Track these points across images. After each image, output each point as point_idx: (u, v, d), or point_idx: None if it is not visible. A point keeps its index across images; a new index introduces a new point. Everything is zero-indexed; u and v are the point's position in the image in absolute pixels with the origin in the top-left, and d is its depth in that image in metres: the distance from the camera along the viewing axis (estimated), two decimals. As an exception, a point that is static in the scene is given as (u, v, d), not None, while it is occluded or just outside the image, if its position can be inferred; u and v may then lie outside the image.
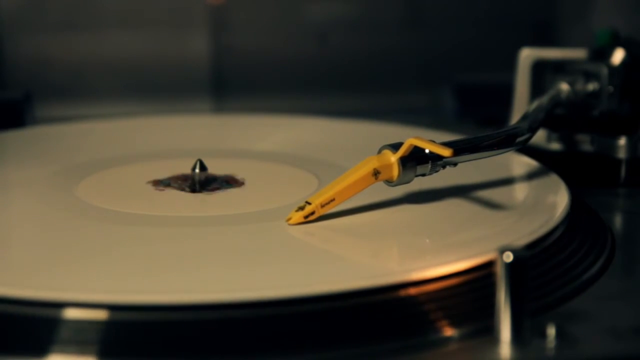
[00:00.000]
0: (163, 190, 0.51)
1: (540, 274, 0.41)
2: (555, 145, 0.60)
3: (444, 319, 0.37)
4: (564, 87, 0.59)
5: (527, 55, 0.63)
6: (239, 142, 0.63)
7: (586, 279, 0.42)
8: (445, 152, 0.44)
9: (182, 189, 0.51)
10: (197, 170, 0.51)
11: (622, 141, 0.57)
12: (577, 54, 0.61)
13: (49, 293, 0.36)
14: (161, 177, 0.53)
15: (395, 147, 0.45)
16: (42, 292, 0.36)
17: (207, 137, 0.66)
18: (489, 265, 0.39)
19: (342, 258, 0.42)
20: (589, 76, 0.58)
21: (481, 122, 0.73)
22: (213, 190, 0.51)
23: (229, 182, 0.52)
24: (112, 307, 0.35)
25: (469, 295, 0.38)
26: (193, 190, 0.51)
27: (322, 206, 0.45)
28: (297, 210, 0.45)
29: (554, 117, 0.59)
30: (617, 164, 0.57)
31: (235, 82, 0.84)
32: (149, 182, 0.52)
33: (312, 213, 0.44)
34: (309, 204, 0.45)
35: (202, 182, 0.51)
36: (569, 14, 0.87)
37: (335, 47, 0.85)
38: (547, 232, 0.43)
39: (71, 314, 0.35)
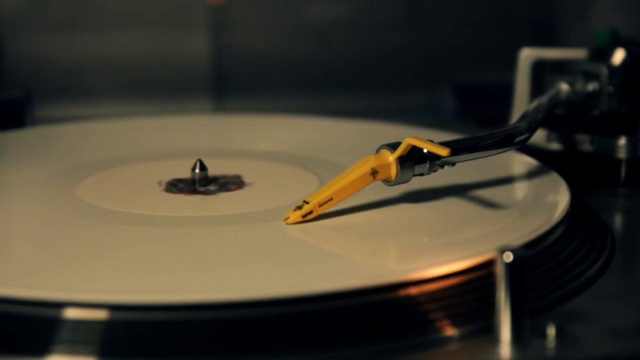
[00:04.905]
0: (163, 190, 0.51)
1: (540, 274, 0.41)
2: (555, 145, 0.60)
3: (444, 319, 0.37)
4: (564, 87, 0.59)
5: (527, 55, 0.63)
6: (239, 142, 0.63)
7: (586, 279, 0.42)
8: (443, 151, 0.44)
9: (182, 189, 0.51)
10: (197, 170, 0.51)
11: (622, 141, 0.57)
12: (577, 54, 0.61)
13: (49, 293, 0.36)
14: (161, 177, 0.53)
15: (393, 146, 0.45)
16: (42, 292, 0.36)
17: (207, 137, 0.66)
18: (488, 265, 0.39)
19: (340, 257, 0.42)
20: (589, 76, 0.58)
21: (481, 122, 0.73)
22: (213, 190, 0.51)
23: (229, 182, 0.52)
24: (112, 307, 0.35)
25: (469, 295, 0.38)
26: (193, 191, 0.51)
27: (320, 205, 0.45)
28: (295, 210, 0.45)
29: (554, 117, 0.59)
30: (617, 164, 0.57)
31: (235, 82, 0.84)
32: (149, 183, 0.52)
33: (310, 212, 0.44)
34: (307, 203, 0.45)
35: (202, 182, 0.51)
36: (569, 14, 0.87)
37: (335, 47, 0.85)
38: (547, 232, 0.43)
39: (71, 314, 0.35)
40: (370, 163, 0.45)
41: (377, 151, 0.46)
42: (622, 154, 0.57)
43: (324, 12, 0.85)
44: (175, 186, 0.51)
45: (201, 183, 0.51)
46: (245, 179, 0.53)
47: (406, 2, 0.86)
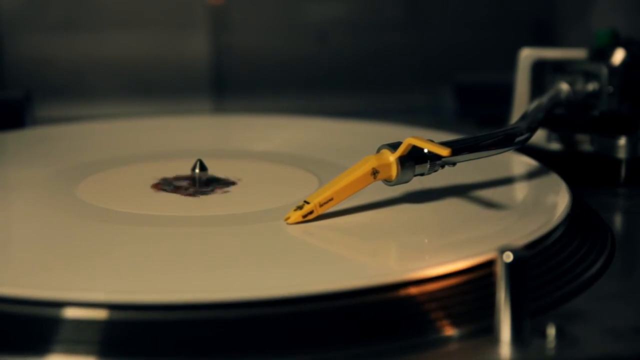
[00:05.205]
0: (163, 190, 0.51)
1: (540, 274, 0.41)
2: (555, 145, 0.60)
3: (444, 319, 0.37)
4: (564, 87, 0.59)
5: (527, 55, 0.63)
6: (239, 142, 0.63)
7: (586, 279, 0.42)
8: (444, 151, 0.44)
9: (182, 189, 0.51)
10: (197, 170, 0.51)
11: (622, 141, 0.57)
12: (577, 54, 0.61)
13: (49, 293, 0.36)
14: (161, 177, 0.53)
15: (393, 146, 0.45)
16: (42, 292, 0.36)
17: (207, 137, 0.66)
18: (489, 265, 0.39)
19: (341, 257, 0.42)
20: (589, 76, 0.58)
21: (481, 122, 0.73)
22: (213, 190, 0.51)
23: (229, 182, 0.52)
24: (112, 307, 0.35)
25: (469, 295, 0.38)
26: (193, 191, 0.51)
27: (321, 205, 0.45)
28: (295, 210, 0.45)
29: (554, 117, 0.59)
30: (617, 164, 0.57)
31: (235, 82, 0.84)
32: (149, 183, 0.52)
33: (311, 212, 0.44)
34: (308, 203, 0.45)
35: (202, 182, 0.51)
36: (569, 14, 0.87)
37: (335, 47, 0.85)
38: (547, 232, 0.43)
39: (71, 313, 0.35)
40: (370, 163, 0.45)
41: (378, 151, 0.46)
42: (622, 154, 0.57)
43: (324, 12, 0.85)
44: (175, 186, 0.51)
45: (201, 183, 0.51)
46: (245, 180, 0.53)
47: (406, 2, 0.86)
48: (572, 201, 0.47)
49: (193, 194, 0.50)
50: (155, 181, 0.52)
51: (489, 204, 0.48)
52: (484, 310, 0.37)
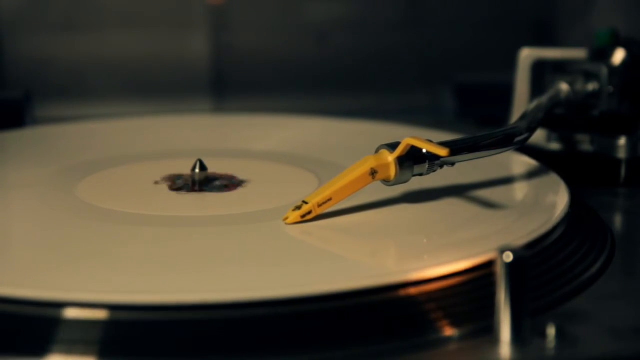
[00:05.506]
0: (163, 190, 0.51)
1: (540, 274, 0.41)
2: (555, 145, 0.60)
3: (444, 319, 0.37)
4: (564, 87, 0.59)
5: (527, 55, 0.63)
6: (239, 142, 0.63)
7: (586, 279, 0.42)
8: (442, 151, 0.44)
9: (182, 189, 0.51)
10: (197, 170, 0.51)
11: (622, 141, 0.57)
12: (577, 54, 0.61)
13: (49, 293, 0.36)
14: (161, 177, 0.53)
15: (392, 146, 0.45)
16: (42, 292, 0.36)
17: (207, 137, 0.66)
18: (489, 265, 0.39)
19: (340, 258, 0.42)
20: (589, 76, 0.58)
21: (481, 122, 0.73)
22: (213, 190, 0.51)
23: (229, 182, 0.52)
24: (112, 307, 0.35)
25: (469, 295, 0.38)
26: (193, 190, 0.51)
27: (319, 205, 0.44)
28: (294, 210, 0.45)
29: (554, 117, 0.59)
30: (617, 164, 0.57)
31: (235, 82, 0.84)
32: (149, 182, 0.52)
33: (309, 212, 0.44)
34: (306, 203, 0.45)
35: (202, 182, 0.51)
36: (569, 14, 0.87)
37: (335, 47, 0.85)
38: (547, 232, 0.43)
39: (71, 314, 0.35)
40: (369, 163, 0.45)
41: (377, 151, 0.46)
42: (622, 154, 0.57)
43: (324, 12, 0.85)
44: (175, 186, 0.51)
45: (201, 183, 0.51)
46: (245, 179, 0.53)
47: (406, 2, 0.86)
48: (571, 201, 0.47)
49: (193, 194, 0.50)
50: (155, 181, 0.52)
51: (489, 204, 0.48)
52: (484, 310, 0.37)
